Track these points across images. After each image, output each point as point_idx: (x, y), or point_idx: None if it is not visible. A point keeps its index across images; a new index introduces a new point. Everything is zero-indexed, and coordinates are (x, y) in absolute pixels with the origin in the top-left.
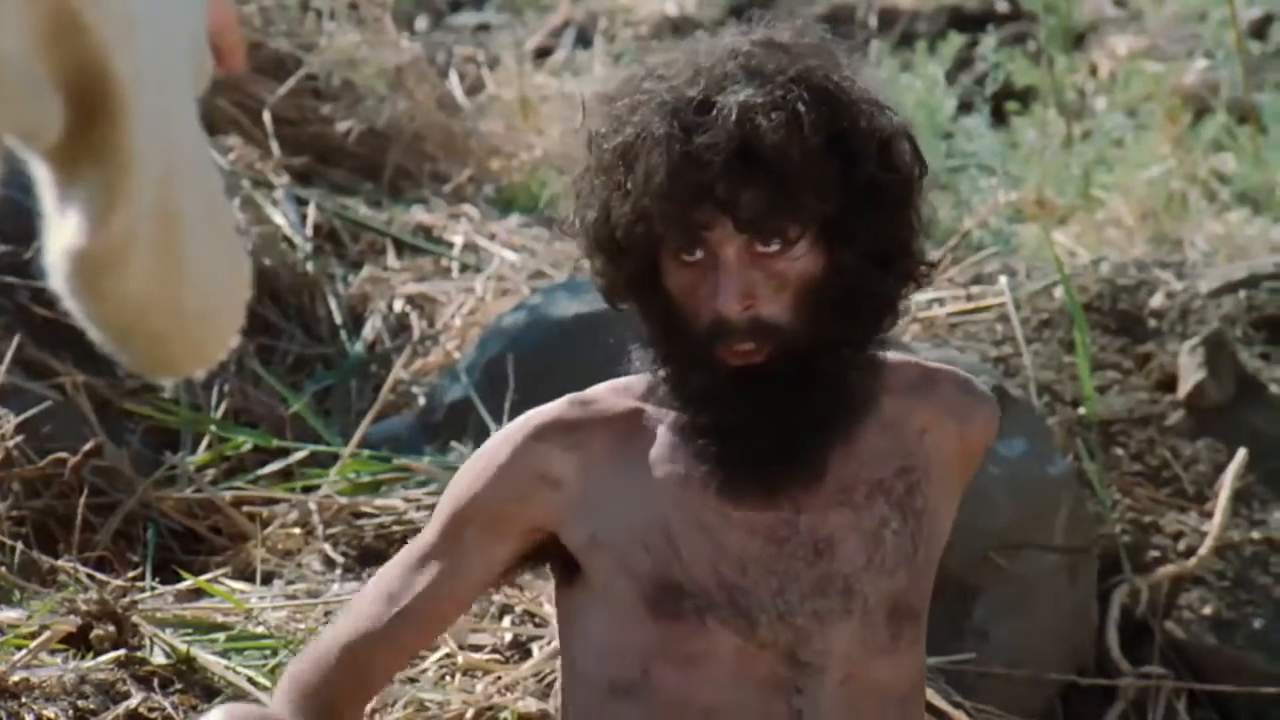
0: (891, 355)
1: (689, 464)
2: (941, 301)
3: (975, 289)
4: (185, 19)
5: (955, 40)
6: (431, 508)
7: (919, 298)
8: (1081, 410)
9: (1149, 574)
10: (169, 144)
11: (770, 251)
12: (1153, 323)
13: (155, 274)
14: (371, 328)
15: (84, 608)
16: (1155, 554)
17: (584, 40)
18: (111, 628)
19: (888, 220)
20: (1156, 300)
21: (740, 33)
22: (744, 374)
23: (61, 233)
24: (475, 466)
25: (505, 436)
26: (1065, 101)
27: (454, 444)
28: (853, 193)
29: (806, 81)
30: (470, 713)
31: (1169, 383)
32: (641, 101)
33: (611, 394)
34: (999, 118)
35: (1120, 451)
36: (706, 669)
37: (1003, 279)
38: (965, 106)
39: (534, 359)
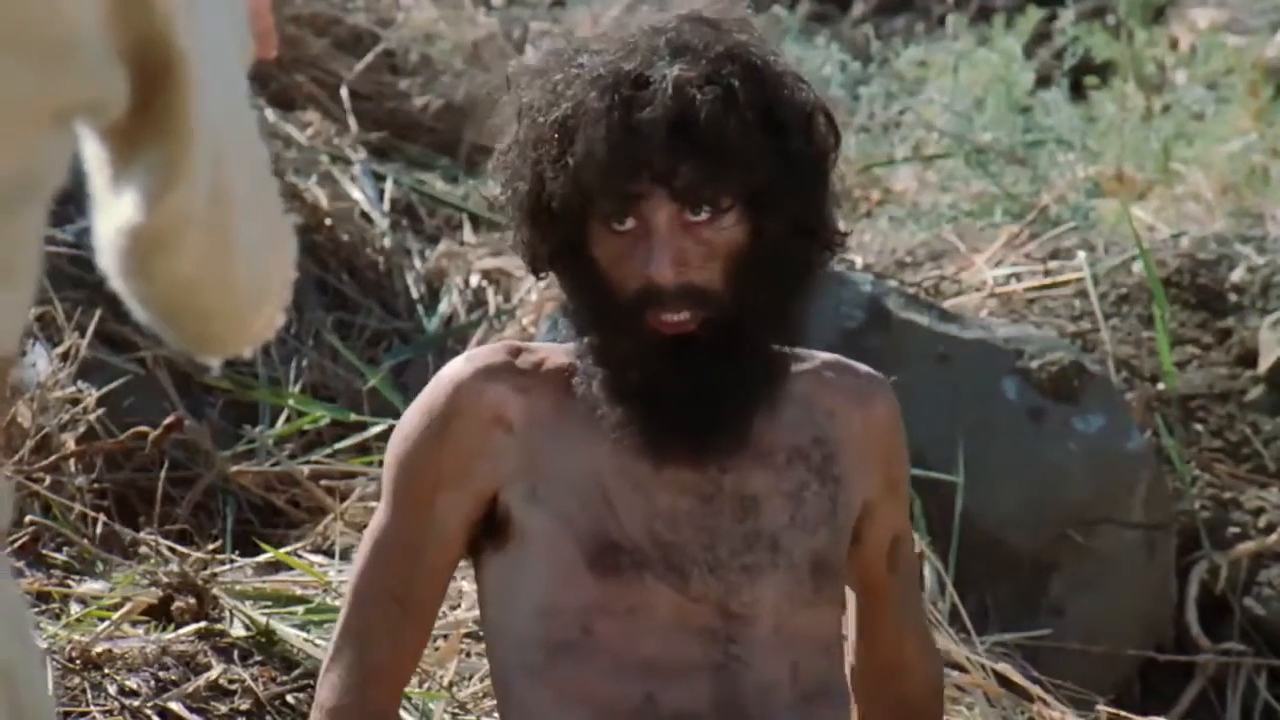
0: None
1: (618, 426)
2: (1019, 277)
3: (1053, 264)
4: None
5: (1033, 14)
6: None
7: (996, 273)
8: (1160, 385)
9: (1229, 550)
10: (224, 119)
11: (700, 220)
12: (1233, 297)
13: (208, 251)
14: (448, 302)
15: (165, 580)
16: (1235, 530)
17: None
18: (192, 600)
19: (810, 191)
20: (1237, 275)
21: (667, 8)
22: (673, 342)
23: (116, 211)
24: (422, 420)
25: (449, 381)
26: (1145, 75)
27: None
28: (780, 164)
29: (737, 57)
30: None
31: (1249, 358)
32: (576, 76)
33: (550, 350)
34: (1077, 92)
35: (1200, 427)
36: (645, 620)
37: (1081, 254)
38: (1043, 81)
39: None
